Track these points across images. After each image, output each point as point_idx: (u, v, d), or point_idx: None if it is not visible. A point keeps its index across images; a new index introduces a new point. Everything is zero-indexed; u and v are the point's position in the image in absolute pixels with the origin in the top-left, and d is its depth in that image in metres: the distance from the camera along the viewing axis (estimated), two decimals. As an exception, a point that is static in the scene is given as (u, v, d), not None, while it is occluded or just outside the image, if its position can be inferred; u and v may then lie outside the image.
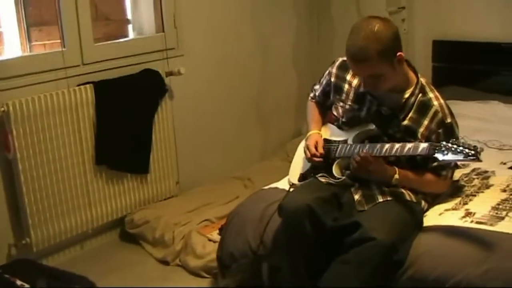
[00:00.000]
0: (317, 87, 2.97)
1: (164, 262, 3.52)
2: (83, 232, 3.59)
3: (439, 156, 2.30)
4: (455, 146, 2.26)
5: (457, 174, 2.93)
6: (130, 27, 4.05)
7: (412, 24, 4.84)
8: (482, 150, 2.25)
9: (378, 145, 2.54)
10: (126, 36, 4.04)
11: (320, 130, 2.88)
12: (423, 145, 2.41)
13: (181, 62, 4.00)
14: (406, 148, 2.45)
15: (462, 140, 2.33)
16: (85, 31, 3.51)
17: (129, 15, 4.04)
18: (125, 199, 3.75)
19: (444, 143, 2.30)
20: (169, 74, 3.92)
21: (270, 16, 4.75)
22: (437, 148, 2.32)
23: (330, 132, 2.84)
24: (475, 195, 2.81)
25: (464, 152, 2.23)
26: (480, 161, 2.24)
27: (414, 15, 4.85)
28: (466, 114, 4.02)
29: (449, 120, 2.57)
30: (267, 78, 4.81)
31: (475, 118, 4.05)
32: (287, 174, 2.99)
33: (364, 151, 2.55)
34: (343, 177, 2.65)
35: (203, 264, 3.33)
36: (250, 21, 4.60)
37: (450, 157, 2.26)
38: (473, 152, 2.21)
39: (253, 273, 2.78)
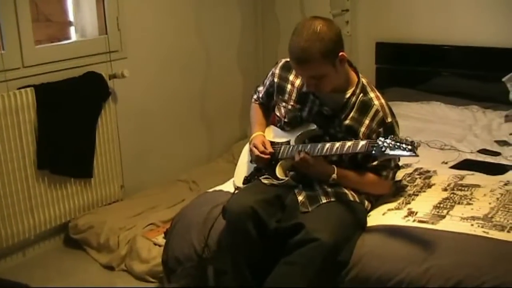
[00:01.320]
0: (260, 88, 2.98)
1: (109, 268, 3.48)
2: (25, 238, 3.51)
3: (378, 152, 2.33)
4: (392, 142, 2.29)
5: (400, 174, 2.98)
6: (72, 29, 3.97)
7: (355, 26, 4.90)
8: (419, 145, 2.30)
9: (319, 145, 2.56)
10: (68, 38, 3.97)
11: (263, 132, 2.88)
12: (362, 143, 2.43)
13: (125, 64, 3.95)
14: (346, 147, 2.48)
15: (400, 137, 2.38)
16: (25, 32, 3.43)
17: (71, 17, 3.96)
18: (68, 204, 3.69)
19: (382, 139, 2.33)
20: (113, 77, 3.87)
21: (214, 18, 4.74)
22: (375, 145, 2.35)
23: (273, 134, 2.85)
24: (417, 195, 2.86)
25: (402, 147, 2.26)
26: (417, 155, 2.27)
27: (357, 18, 4.90)
28: (409, 115, 4.10)
29: (389, 119, 2.61)
30: (212, 80, 4.79)
31: (417, 118, 4.13)
32: (233, 176, 2.98)
33: (305, 151, 2.57)
34: (287, 178, 2.67)
35: (149, 268, 3.31)
36: (194, 23, 4.58)
37: (388, 152, 2.29)
38: (410, 147, 2.25)
39: (199, 277, 2.77)
